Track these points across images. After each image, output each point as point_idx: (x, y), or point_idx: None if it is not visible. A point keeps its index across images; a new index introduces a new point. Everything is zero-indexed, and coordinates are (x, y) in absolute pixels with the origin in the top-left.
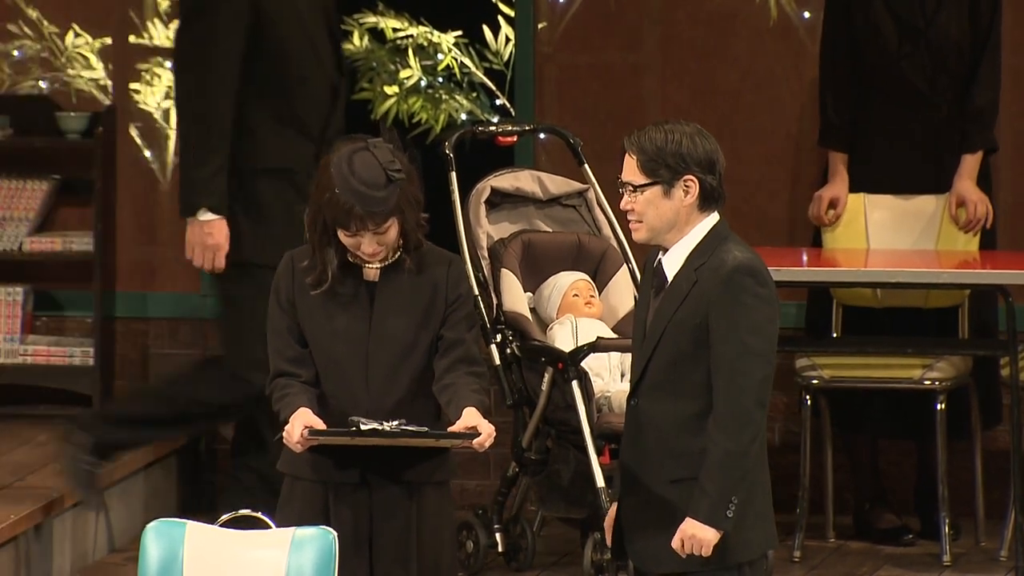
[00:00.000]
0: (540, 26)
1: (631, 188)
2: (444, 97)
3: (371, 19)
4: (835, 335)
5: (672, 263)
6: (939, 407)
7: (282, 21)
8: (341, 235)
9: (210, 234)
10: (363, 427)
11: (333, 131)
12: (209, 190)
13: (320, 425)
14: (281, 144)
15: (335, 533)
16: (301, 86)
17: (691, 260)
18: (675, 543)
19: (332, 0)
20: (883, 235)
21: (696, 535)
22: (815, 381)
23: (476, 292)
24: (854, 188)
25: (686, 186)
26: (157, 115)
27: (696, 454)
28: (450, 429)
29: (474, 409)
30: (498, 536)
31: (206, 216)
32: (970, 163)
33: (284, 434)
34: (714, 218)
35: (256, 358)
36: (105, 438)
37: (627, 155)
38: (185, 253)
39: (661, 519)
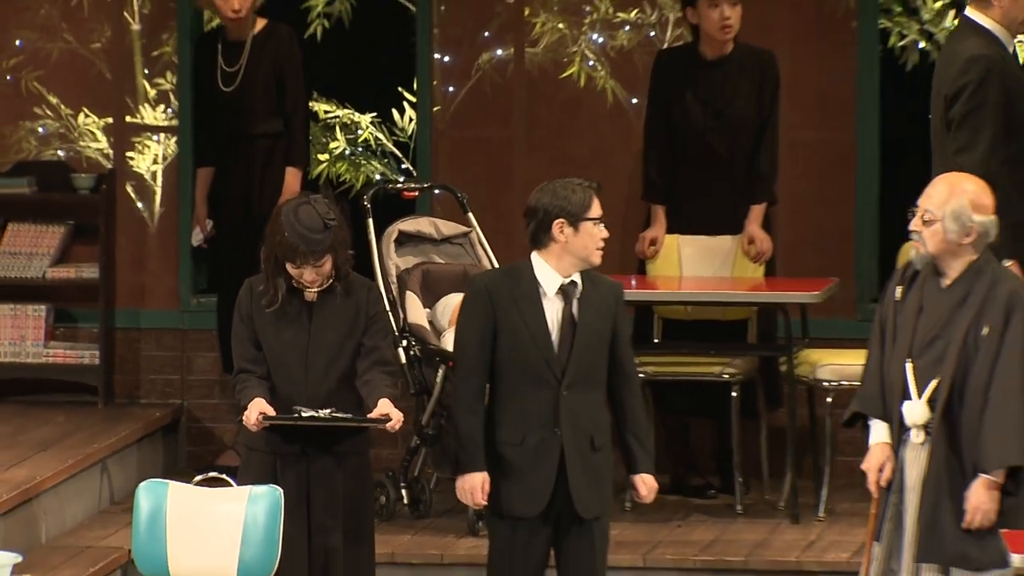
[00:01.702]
0: (435, 109)
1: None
2: (363, 162)
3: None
4: (656, 341)
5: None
6: (733, 394)
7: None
8: (288, 267)
9: None
10: (303, 414)
11: None
12: None
13: (271, 412)
14: None
15: (281, 491)
16: None
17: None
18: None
19: None
20: (692, 265)
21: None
22: (642, 375)
23: (388, 309)
24: (670, 230)
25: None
26: (147, 176)
27: (607, 427)
28: (369, 415)
29: (387, 400)
30: (404, 492)
31: None
32: (757, 211)
33: (243, 417)
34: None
35: None
36: None
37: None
38: None
39: (596, 473)
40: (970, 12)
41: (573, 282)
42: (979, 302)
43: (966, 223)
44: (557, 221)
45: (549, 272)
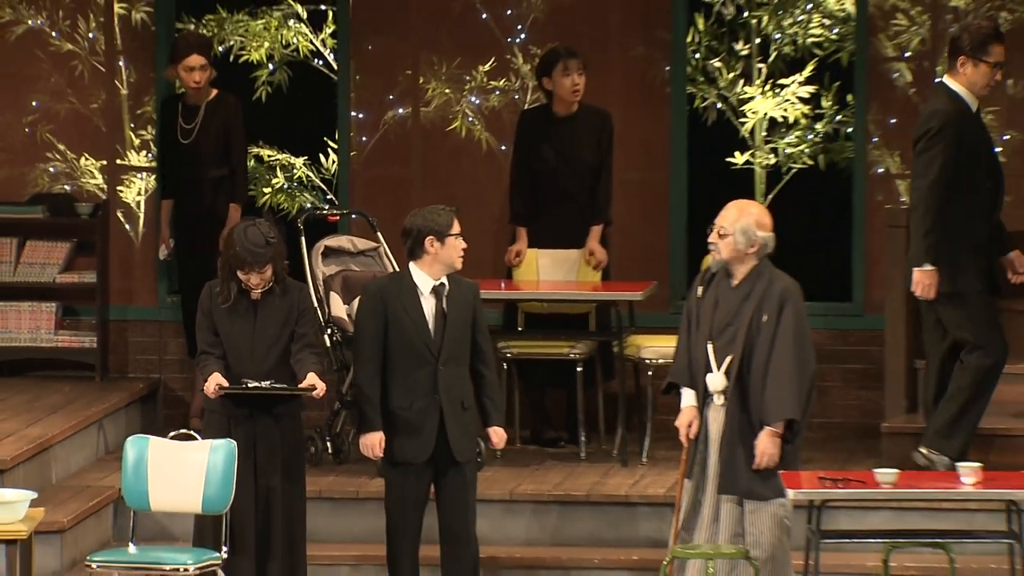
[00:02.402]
0: (352, 154)
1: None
2: (297, 194)
3: (255, 149)
4: (520, 329)
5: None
6: (578, 369)
7: None
8: (239, 274)
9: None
10: (250, 385)
11: None
12: None
13: (225, 383)
14: None
15: (235, 443)
16: None
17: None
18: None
19: None
20: (546, 272)
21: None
22: (508, 355)
23: (315, 305)
24: (530, 245)
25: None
26: (133, 205)
27: (472, 392)
28: (300, 386)
29: (314, 374)
30: (328, 444)
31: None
32: (596, 231)
33: (204, 387)
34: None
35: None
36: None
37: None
38: None
39: (467, 427)
40: (945, 79)
41: (442, 284)
42: (760, 296)
43: (752, 237)
44: (428, 237)
45: (424, 277)
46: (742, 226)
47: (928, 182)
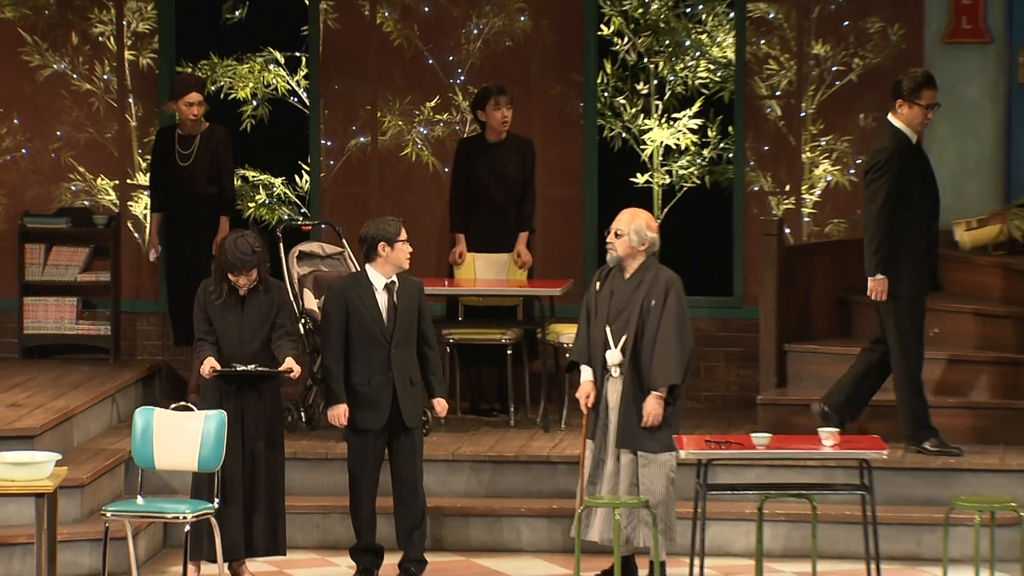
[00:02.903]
0: (322, 175)
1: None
2: (276, 208)
3: (241, 171)
4: (460, 319)
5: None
6: (508, 352)
7: None
8: (230, 276)
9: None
10: (238, 368)
11: None
12: None
13: (218, 366)
14: None
15: (225, 413)
16: None
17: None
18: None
19: None
20: (482, 272)
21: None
22: (451, 340)
23: (292, 300)
24: (468, 250)
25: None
26: (141, 218)
27: (418, 370)
28: (280, 368)
29: (291, 358)
30: (302, 414)
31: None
32: (523, 237)
33: (200, 369)
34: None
35: None
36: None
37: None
38: None
39: (415, 399)
40: (889, 116)
41: (393, 281)
42: (648, 286)
43: (643, 236)
44: (380, 243)
45: (378, 276)
46: (635, 227)
47: (876, 207)
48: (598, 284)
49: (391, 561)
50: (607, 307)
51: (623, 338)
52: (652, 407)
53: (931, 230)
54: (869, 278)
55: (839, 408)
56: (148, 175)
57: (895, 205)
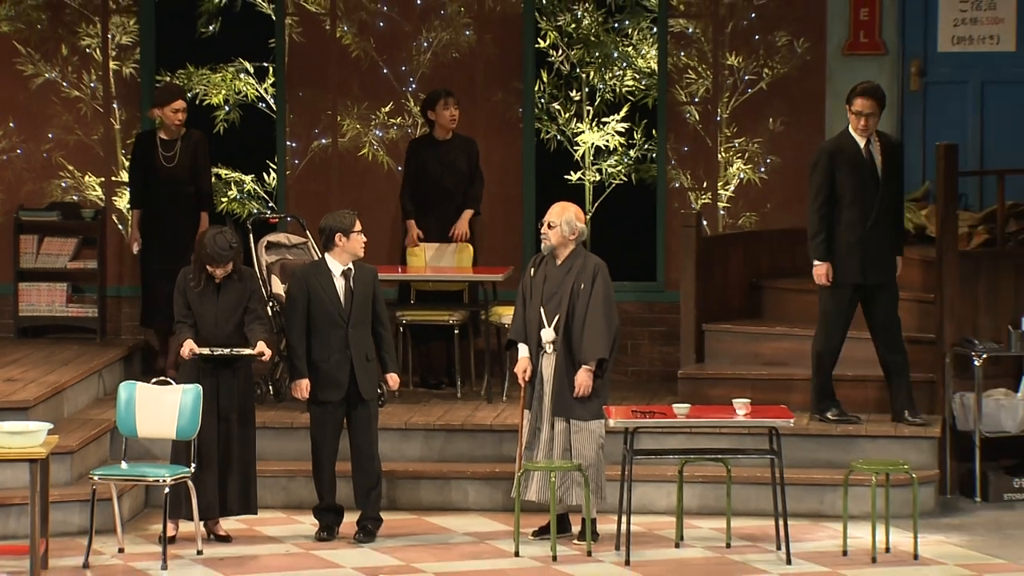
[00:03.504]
0: (288, 172)
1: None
2: (247, 202)
3: (215, 170)
4: (412, 301)
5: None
6: (456, 332)
7: None
8: (208, 267)
9: None
10: (215, 352)
11: None
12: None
13: (196, 348)
14: None
15: (201, 387)
16: None
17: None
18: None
19: None
20: (432, 259)
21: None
22: (404, 321)
23: (261, 287)
24: (424, 241)
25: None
26: (124, 212)
27: (372, 347)
28: (252, 351)
29: (262, 341)
30: (271, 388)
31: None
32: (467, 214)
33: (180, 350)
34: None
35: None
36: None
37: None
38: None
39: (371, 374)
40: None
41: (349, 268)
42: (578, 271)
43: (573, 226)
44: (337, 234)
45: (336, 264)
46: (566, 219)
47: (809, 201)
48: (532, 270)
49: (350, 519)
50: (541, 290)
51: (556, 318)
52: (583, 379)
53: (867, 224)
54: (814, 264)
55: (900, 406)
56: (128, 174)
57: (826, 199)
